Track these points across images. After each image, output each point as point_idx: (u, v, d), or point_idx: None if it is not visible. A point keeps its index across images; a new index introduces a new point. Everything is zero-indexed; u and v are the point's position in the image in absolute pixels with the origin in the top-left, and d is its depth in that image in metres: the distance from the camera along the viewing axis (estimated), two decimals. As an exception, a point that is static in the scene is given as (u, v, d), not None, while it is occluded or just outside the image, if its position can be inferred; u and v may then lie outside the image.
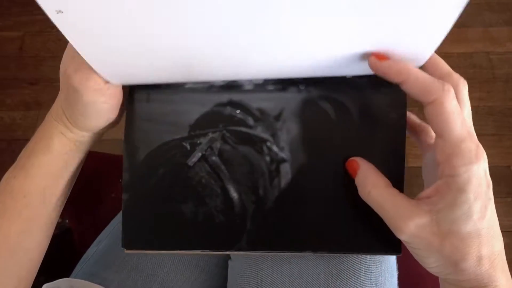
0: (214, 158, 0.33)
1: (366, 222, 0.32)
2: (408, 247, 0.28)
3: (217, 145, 0.33)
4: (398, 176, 0.32)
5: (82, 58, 0.28)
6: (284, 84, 0.33)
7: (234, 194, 0.33)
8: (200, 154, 0.33)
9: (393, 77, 0.27)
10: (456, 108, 0.25)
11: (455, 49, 1.08)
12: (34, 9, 1.18)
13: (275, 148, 0.33)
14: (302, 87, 0.33)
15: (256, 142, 0.33)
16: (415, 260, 0.29)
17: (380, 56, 0.27)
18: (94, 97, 0.30)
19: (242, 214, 0.32)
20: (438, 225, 0.25)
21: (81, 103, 0.30)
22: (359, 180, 0.30)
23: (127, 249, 0.33)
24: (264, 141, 0.33)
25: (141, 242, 0.33)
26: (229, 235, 0.33)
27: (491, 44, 1.09)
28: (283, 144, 0.32)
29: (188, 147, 0.33)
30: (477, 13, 1.12)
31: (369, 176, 0.29)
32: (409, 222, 0.26)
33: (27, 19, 1.17)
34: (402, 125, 0.32)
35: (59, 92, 0.32)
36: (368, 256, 0.35)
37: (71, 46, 0.30)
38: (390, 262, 0.36)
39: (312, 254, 0.33)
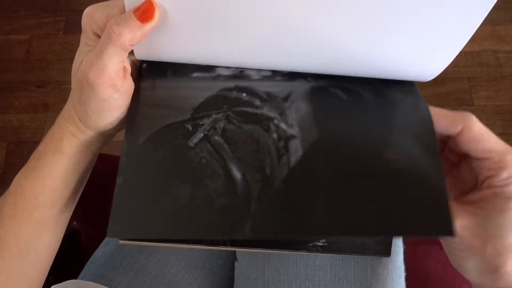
0: (216, 137, 0.30)
1: (381, 203, 0.27)
2: (446, 250, 0.28)
3: (221, 125, 0.30)
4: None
5: (96, 54, 0.28)
6: (293, 75, 0.32)
7: (237, 174, 0.29)
8: (202, 134, 0.30)
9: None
10: (485, 128, 0.28)
11: (462, 47, 1.06)
12: (41, 13, 1.19)
13: (283, 125, 0.30)
14: (310, 79, 0.32)
15: (262, 120, 0.30)
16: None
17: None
18: (108, 93, 0.29)
19: (245, 197, 0.28)
20: (482, 229, 0.26)
21: (94, 100, 0.30)
22: None
23: (110, 236, 0.27)
24: (271, 119, 0.30)
25: (129, 229, 0.28)
26: (230, 220, 0.28)
27: (498, 43, 1.08)
28: (292, 122, 0.30)
29: (190, 128, 0.30)
30: (484, 12, 1.11)
31: None
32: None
33: (34, 23, 1.18)
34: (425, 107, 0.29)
35: (71, 93, 0.32)
36: (375, 258, 0.35)
37: (84, 43, 0.30)
38: (397, 263, 0.36)
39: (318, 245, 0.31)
